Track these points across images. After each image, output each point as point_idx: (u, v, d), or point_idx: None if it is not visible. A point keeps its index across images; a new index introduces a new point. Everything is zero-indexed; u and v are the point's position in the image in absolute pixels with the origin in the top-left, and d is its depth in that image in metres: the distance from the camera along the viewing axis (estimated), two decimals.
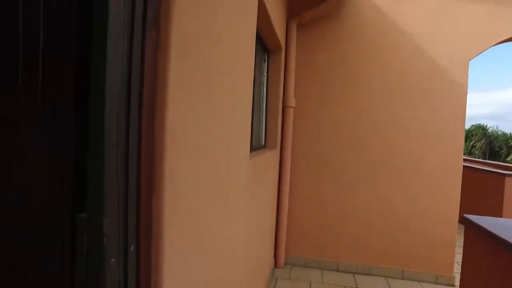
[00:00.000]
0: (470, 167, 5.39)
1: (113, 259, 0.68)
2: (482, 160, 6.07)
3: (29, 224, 0.83)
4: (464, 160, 4.03)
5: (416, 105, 3.34)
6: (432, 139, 3.32)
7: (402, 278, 3.38)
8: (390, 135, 3.40)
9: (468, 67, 3.26)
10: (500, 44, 3.45)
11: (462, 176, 3.32)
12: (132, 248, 0.75)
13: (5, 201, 0.90)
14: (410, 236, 3.38)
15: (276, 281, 3.22)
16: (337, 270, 3.51)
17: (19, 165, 0.91)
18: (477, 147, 26.37)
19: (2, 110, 0.95)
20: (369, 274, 3.46)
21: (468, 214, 1.87)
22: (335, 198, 3.52)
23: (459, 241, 3.87)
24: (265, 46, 3.14)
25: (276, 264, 3.50)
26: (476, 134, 26.89)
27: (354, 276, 3.42)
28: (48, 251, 0.76)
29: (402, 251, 3.40)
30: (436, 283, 3.33)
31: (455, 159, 3.29)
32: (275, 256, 3.51)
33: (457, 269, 3.52)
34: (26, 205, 0.86)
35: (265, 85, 3.28)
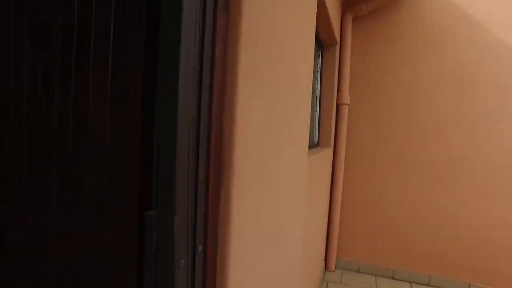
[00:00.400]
0: None
1: (182, 260, 0.64)
2: None
3: (95, 222, 0.83)
4: None
5: (489, 101, 3.01)
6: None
7: None
8: (457, 131, 3.10)
9: None
10: None
11: None
12: (200, 248, 0.71)
13: (71, 198, 0.90)
14: (483, 245, 3.05)
15: (327, 284, 3.10)
16: (393, 278, 3.29)
17: (85, 161, 0.91)
18: None
19: (68, 109, 0.95)
20: (428, 285, 3.20)
21: None
22: (392, 200, 3.30)
23: None
24: (319, 40, 3.02)
25: (326, 267, 3.37)
26: None
27: (411, 286, 3.18)
28: (115, 249, 0.74)
29: (472, 263, 3.07)
30: None
31: None
32: (326, 258, 3.38)
33: None
34: (92, 202, 0.86)
35: (319, 81, 3.16)
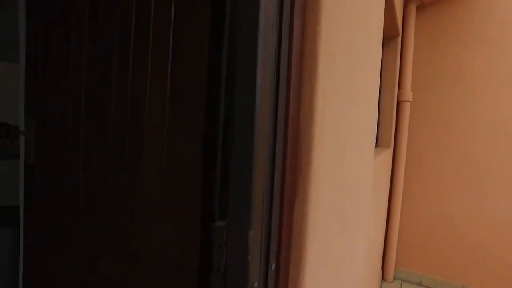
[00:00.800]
0: None
1: (256, 283, 0.53)
2: None
3: (152, 229, 0.75)
4: None
5: None
6: None
7: None
8: None
9: None
10: None
11: None
12: (273, 266, 0.60)
13: (126, 200, 0.84)
14: None
15: None
16: None
17: (141, 162, 0.85)
18: None
19: (124, 106, 0.90)
20: None
21: None
22: (461, 209, 2.96)
23: None
24: None
25: (383, 277, 3.13)
26: None
27: None
28: (175, 262, 0.66)
29: None
30: None
31: None
32: (383, 268, 3.13)
33: None
34: (149, 207, 0.79)
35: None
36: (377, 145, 2.94)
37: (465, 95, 2.92)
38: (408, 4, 2.97)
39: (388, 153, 2.83)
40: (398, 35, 2.90)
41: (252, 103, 0.48)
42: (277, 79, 0.56)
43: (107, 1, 1.00)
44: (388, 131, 2.95)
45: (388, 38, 2.95)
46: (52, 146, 1.18)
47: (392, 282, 3.13)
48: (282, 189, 0.60)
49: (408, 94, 3.03)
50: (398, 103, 3.07)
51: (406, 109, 3.05)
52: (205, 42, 0.72)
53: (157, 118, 0.81)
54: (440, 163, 3.03)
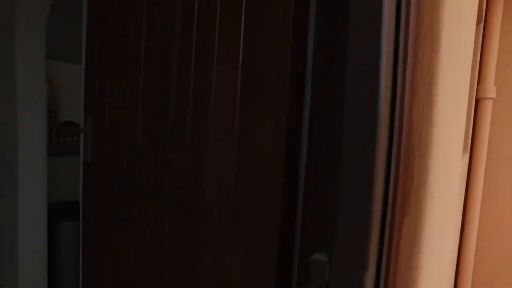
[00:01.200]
0: None
1: None
2: None
3: (215, 256, 0.65)
4: None
5: None
6: None
7: None
8: None
9: None
10: None
11: None
12: None
13: (186, 216, 0.75)
14: None
15: None
16: None
17: (209, 170, 0.74)
18: None
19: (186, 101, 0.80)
20: None
21: None
22: None
23: None
24: None
25: None
26: None
27: None
28: None
29: None
30: None
31: None
32: None
33: None
34: (212, 225, 0.68)
35: None
36: None
37: None
38: None
39: (465, 158, 2.49)
40: (480, 21, 2.54)
41: (375, 99, 0.34)
42: (395, 62, 0.41)
43: None
44: (465, 132, 2.61)
45: None
46: (108, 144, 1.14)
47: None
48: (393, 207, 0.46)
49: (491, 90, 2.65)
50: (477, 100, 2.70)
51: (488, 107, 2.68)
52: (288, 23, 0.59)
53: (225, 116, 0.70)
54: None
